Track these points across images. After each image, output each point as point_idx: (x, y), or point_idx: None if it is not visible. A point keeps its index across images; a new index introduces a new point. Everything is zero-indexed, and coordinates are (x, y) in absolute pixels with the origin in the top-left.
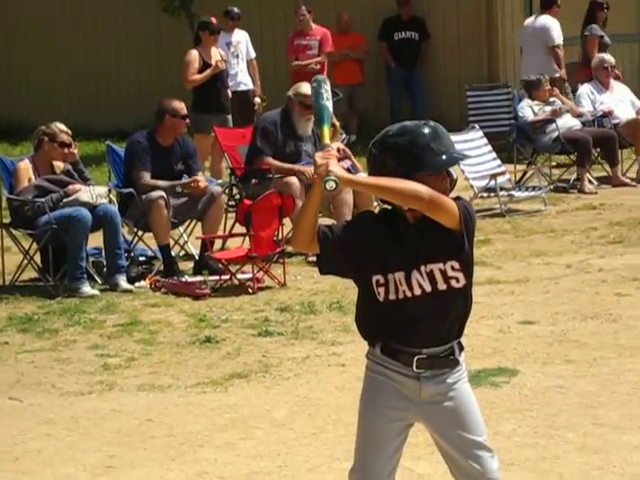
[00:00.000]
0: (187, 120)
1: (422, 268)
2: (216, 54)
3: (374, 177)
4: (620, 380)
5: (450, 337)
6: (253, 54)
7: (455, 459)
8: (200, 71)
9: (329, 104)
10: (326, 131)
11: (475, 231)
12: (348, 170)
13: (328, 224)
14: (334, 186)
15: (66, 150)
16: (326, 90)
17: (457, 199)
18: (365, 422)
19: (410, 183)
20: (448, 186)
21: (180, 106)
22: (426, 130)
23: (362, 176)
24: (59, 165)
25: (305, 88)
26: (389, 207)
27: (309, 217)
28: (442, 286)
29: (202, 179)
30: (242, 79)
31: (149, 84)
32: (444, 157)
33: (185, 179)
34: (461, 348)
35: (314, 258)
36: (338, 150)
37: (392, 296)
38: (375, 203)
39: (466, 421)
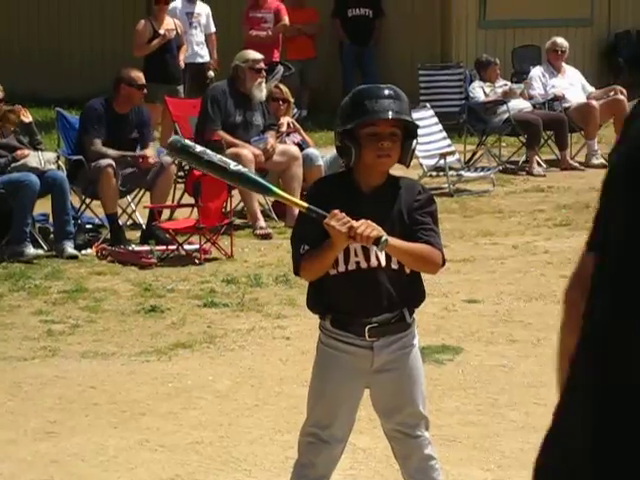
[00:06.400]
0: (144, 90)
1: None
2: (170, 24)
3: (407, 243)
4: None
5: (400, 304)
6: (213, 29)
7: (391, 425)
8: (151, 40)
9: (241, 168)
10: (287, 197)
11: None
12: (299, 145)
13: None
14: (384, 246)
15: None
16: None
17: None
18: (319, 394)
19: (435, 254)
20: (390, 153)
21: (137, 75)
22: (371, 89)
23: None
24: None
25: (252, 54)
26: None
27: (329, 263)
28: (394, 265)
29: (151, 154)
30: (199, 51)
31: (100, 51)
32: (365, 116)
33: (137, 149)
34: (412, 312)
35: (262, 231)
36: (288, 125)
37: (342, 268)
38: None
39: (408, 389)
